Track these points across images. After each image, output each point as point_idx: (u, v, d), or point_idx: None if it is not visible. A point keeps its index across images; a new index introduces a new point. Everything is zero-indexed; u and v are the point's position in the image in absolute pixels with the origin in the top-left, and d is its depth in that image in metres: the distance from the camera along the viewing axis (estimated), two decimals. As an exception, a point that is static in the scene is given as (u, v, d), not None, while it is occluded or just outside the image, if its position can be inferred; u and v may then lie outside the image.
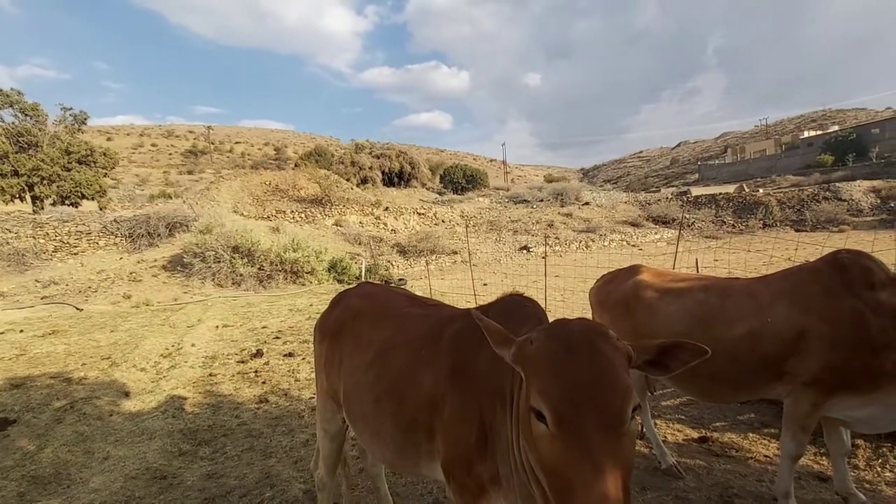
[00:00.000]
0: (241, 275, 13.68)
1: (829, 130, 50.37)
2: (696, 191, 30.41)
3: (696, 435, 3.79)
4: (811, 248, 9.99)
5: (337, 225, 20.34)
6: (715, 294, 2.78)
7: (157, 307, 11.39)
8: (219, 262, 13.85)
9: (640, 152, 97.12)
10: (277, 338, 7.69)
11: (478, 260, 18.00)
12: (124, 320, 9.55)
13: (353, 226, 20.42)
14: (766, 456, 3.44)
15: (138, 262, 15.34)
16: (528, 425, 1.26)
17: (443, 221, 23.04)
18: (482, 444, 1.63)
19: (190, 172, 60.52)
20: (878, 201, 23.79)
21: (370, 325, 2.23)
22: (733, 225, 24.98)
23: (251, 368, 6.12)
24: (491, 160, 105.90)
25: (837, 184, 26.26)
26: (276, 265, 13.93)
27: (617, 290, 3.23)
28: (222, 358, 6.66)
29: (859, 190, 24.66)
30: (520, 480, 1.59)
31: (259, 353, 6.71)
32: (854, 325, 2.39)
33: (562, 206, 27.05)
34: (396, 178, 35.18)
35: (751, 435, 3.73)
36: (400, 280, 14.20)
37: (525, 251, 20.37)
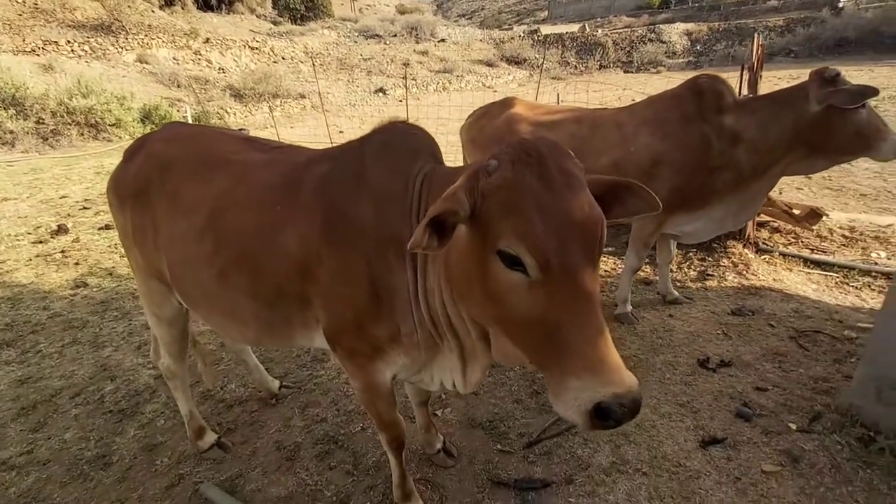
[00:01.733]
0: (13, 132, 10.36)
1: (659, -30, 52.59)
2: (546, 29, 30.50)
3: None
4: (636, 90, 11.12)
5: (142, 62, 15.99)
6: (586, 126, 2.73)
7: None
8: (-33, 115, 10.15)
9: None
10: (86, 208, 6.23)
11: (330, 105, 16.25)
12: None
13: (166, 63, 16.27)
14: (605, 271, 3.98)
15: None
16: (476, 275, 1.06)
17: (283, 59, 19.72)
18: (375, 305, 1.41)
19: None
20: (689, 44, 26.74)
21: (192, 179, 1.68)
22: (575, 66, 26.20)
23: (55, 248, 4.91)
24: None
25: (661, 26, 28.51)
26: (63, 117, 10.76)
27: (490, 125, 3.02)
28: (9, 240, 5.19)
29: (676, 32, 27.20)
30: (424, 333, 1.43)
31: (63, 229, 5.38)
32: (701, 150, 2.56)
33: (417, 43, 25.07)
34: (214, 0, 28.14)
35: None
36: (240, 130, 12.27)
37: (381, 94, 18.98)
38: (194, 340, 2.39)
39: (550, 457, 2.22)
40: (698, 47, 26.22)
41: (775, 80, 10.74)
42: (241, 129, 12.54)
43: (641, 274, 3.84)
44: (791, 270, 3.71)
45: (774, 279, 3.58)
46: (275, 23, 25.58)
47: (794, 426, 2.17)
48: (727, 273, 3.70)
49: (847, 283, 3.49)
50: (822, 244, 4.13)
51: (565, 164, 1.02)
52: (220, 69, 16.83)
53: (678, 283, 3.62)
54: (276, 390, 2.74)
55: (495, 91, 20.68)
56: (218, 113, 12.96)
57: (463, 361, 1.47)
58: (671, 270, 3.70)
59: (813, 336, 2.85)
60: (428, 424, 2.21)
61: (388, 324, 1.43)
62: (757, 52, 3.43)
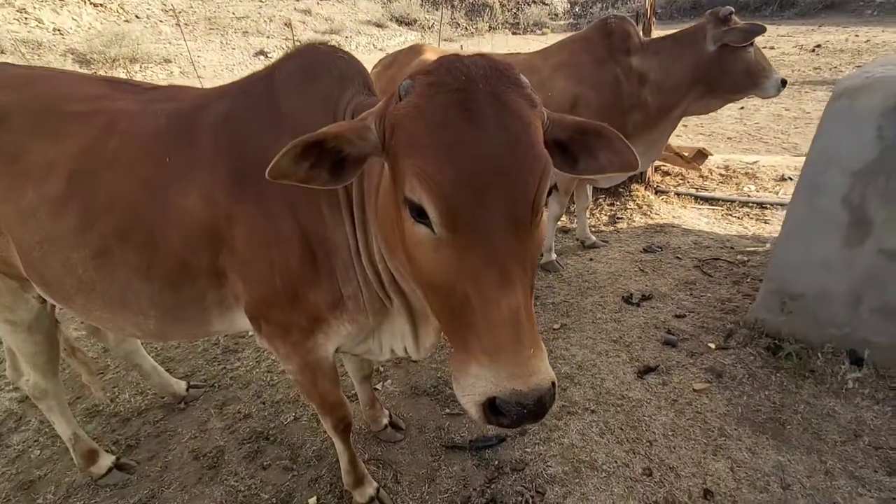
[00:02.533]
0: None
1: (536, -68, 53.79)
2: (432, -11, 29.80)
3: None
4: (523, 50, 11.37)
5: (-59, 20, 12.69)
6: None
7: None
8: None
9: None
10: None
11: (204, 71, 14.40)
12: None
13: (-23, 22, 13.10)
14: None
15: None
16: (397, 223, 0.86)
17: (137, 17, 16.93)
18: (310, 266, 1.18)
19: None
20: (569, 5, 27.95)
21: (39, 134, 1.26)
22: (466, 28, 26.11)
23: None
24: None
25: (543, -13, 29.31)
26: None
27: (402, 73, 2.77)
28: None
29: (557, -6, 28.21)
30: (371, 295, 1.23)
31: None
32: (614, 91, 2.58)
33: (297, 1, 23.07)
34: (35, -53, 22.86)
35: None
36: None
37: (263, 56, 17.27)
38: (71, 347, 1.92)
39: (500, 412, 2.18)
40: (577, 9, 27.53)
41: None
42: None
43: (559, 224, 3.93)
44: (685, 208, 4.05)
45: (674, 217, 3.87)
46: (120, -25, 21.78)
47: (713, 345, 2.36)
48: (634, 215, 3.92)
49: (731, 215, 3.89)
50: (705, 183, 4.56)
51: (502, 91, 0.78)
52: (55, 30, 13.96)
53: (593, 228, 3.76)
54: (182, 392, 2.35)
55: (388, 53, 19.94)
56: (60, 82, 10.81)
57: (413, 323, 1.30)
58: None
59: (713, 263, 3.12)
60: (372, 400, 2.03)
61: (329, 287, 1.21)
62: (649, 2, 3.55)
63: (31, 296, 1.50)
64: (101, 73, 12.44)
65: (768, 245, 3.26)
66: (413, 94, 0.80)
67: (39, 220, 1.24)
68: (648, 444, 1.91)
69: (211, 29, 17.72)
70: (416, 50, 2.90)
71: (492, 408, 0.74)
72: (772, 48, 12.37)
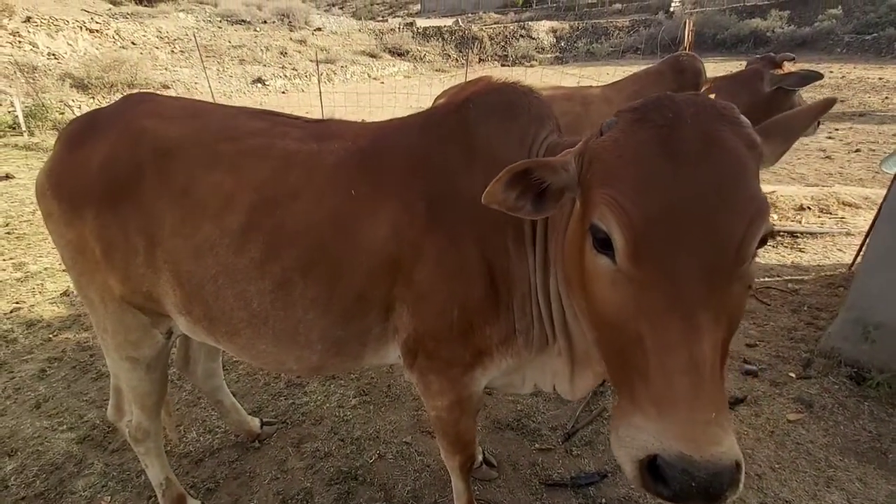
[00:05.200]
0: None
1: (519, -29, 56.28)
2: (421, 22, 30.73)
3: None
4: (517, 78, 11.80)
5: (-69, 43, 12.46)
6: (578, 103, 2.68)
7: None
8: None
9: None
10: None
11: (201, 96, 14.40)
12: None
13: (-31, 45, 12.90)
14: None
15: None
16: (580, 256, 0.84)
17: (133, 44, 16.93)
18: (492, 300, 1.16)
19: None
20: (555, 40, 29.04)
21: (213, 167, 1.23)
22: (456, 59, 26.83)
23: None
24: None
25: (529, 23, 30.50)
26: None
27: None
28: None
29: (543, 30, 29.34)
30: (540, 331, 1.21)
31: None
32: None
33: (291, 31, 23.47)
34: (26, -27, 22.94)
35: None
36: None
37: (260, 84, 17.39)
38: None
39: (593, 446, 2.14)
40: (562, 44, 28.62)
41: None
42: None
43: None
44: (720, 236, 4.14)
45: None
46: (114, 3, 21.91)
47: (793, 374, 2.38)
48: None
49: (767, 244, 4.00)
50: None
51: (715, 129, 0.74)
52: (50, 54, 13.82)
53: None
54: (257, 430, 2.24)
55: (382, 83, 20.23)
56: (59, 107, 10.60)
57: (571, 365, 1.28)
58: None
59: (766, 292, 3.18)
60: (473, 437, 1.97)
61: (506, 322, 1.20)
62: (688, 37, 3.72)
63: (160, 332, 1.43)
64: (100, 97, 12.32)
65: (812, 274, 3.35)
66: (615, 129, 0.81)
67: (217, 254, 1.19)
68: (758, 477, 1.89)
69: (207, 56, 17.79)
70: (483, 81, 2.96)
71: (652, 469, 0.67)
72: (756, 84, 12.99)
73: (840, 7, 20.52)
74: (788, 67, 2.72)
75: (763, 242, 0.74)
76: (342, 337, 1.27)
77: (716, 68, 17.23)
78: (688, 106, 0.78)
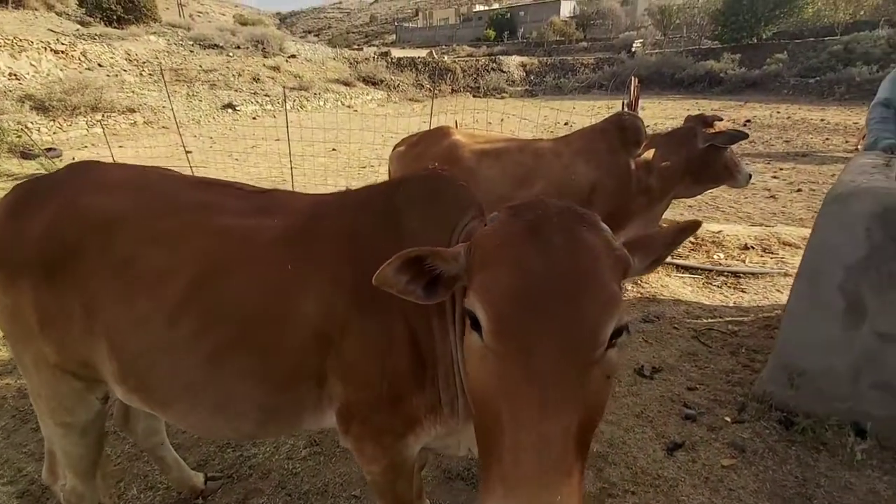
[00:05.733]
0: None
1: (492, 7, 58.65)
2: (396, 52, 31.44)
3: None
4: (487, 112, 12.77)
5: None
6: (529, 155, 2.84)
7: None
8: None
9: (340, 2, 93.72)
10: None
11: (169, 121, 14.20)
12: None
13: (-79, 64, 12.42)
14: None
15: None
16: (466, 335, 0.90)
17: (100, 66, 16.64)
18: (420, 372, 1.22)
19: None
20: (525, 74, 30.14)
21: (155, 241, 1.26)
22: (429, 89, 27.41)
23: None
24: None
25: (500, 57, 31.62)
26: None
27: (429, 151, 2.94)
28: None
29: (514, 64, 30.44)
30: (465, 402, 1.27)
31: None
32: (626, 177, 2.85)
33: (265, 57, 23.57)
34: (-10, -10, 22.42)
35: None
36: (50, 151, 9.96)
37: (231, 109, 17.31)
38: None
39: (540, 495, 2.17)
40: (532, 77, 29.73)
41: (603, 110, 12.66)
42: (49, 149, 10.17)
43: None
44: (670, 276, 4.34)
45: (661, 286, 4.14)
46: (83, 23, 21.57)
47: (728, 419, 2.50)
48: (627, 284, 4.15)
49: (711, 284, 4.21)
50: (678, 251, 4.93)
51: (576, 227, 0.83)
52: (11, 75, 13.44)
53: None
54: (201, 486, 2.19)
55: (356, 110, 20.47)
56: (17, 129, 10.26)
57: None
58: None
59: (708, 333, 3.34)
60: (420, 492, 1.98)
61: (431, 392, 1.25)
62: (634, 92, 3.99)
63: (95, 397, 1.42)
64: (60, 119, 12.01)
65: (752, 316, 3.54)
66: (495, 222, 0.90)
67: (152, 327, 1.21)
68: (692, 525, 1.96)
69: (177, 80, 17.66)
70: (443, 132, 3.09)
71: None
72: (710, 123, 13.78)
73: (786, 52, 22.15)
74: (719, 126, 2.97)
75: (618, 334, 0.80)
76: (277, 406, 1.29)
77: (675, 105, 18.26)
78: (555, 208, 0.89)
